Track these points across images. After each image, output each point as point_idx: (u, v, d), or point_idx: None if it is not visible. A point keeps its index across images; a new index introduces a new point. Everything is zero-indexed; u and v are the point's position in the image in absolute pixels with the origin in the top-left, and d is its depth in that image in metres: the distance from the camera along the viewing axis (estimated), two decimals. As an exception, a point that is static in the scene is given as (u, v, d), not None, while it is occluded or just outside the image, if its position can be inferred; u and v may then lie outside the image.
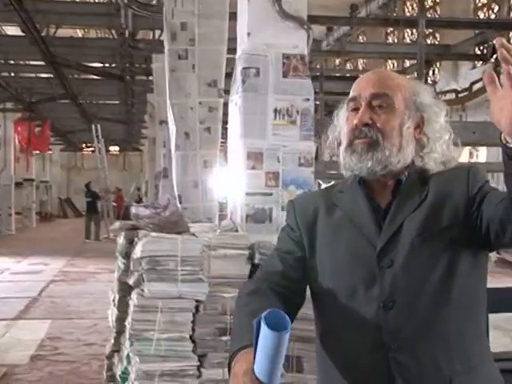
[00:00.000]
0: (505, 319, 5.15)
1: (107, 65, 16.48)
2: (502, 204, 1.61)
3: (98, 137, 20.20)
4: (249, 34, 4.26)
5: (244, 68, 4.25)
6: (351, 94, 1.84)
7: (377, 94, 1.77)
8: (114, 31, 14.75)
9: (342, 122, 1.86)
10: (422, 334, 1.68)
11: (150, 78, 12.90)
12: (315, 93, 5.05)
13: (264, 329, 1.45)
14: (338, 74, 19.40)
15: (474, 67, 15.78)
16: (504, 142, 1.47)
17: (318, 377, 1.91)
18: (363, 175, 1.79)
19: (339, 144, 1.87)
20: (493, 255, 13.10)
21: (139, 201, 22.52)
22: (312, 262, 1.83)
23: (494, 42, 1.43)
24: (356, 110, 1.80)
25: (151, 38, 13.71)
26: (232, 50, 5.02)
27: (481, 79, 14.82)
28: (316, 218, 1.85)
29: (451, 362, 1.69)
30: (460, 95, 15.52)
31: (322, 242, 1.83)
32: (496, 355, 4.66)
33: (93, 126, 20.09)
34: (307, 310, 3.87)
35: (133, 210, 4.19)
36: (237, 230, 4.13)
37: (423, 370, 1.67)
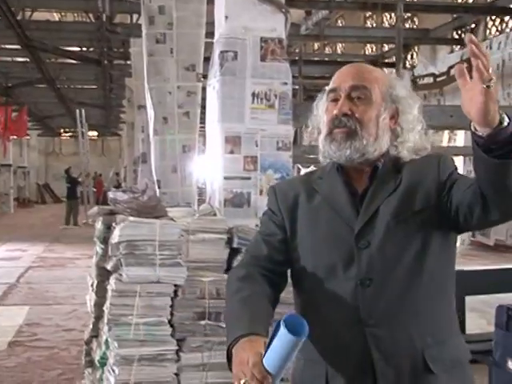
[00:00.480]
0: (481, 301, 5.21)
1: (85, 49, 16.33)
2: (470, 189, 1.72)
3: (81, 122, 20.04)
4: (226, 18, 4.24)
5: (222, 52, 4.23)
6: (331, 86, 1.92)
7: (356, 86, 1.86)
8: (91, 15, 14.62)
9: (322, 112, 1.94)
10: (396, 310, 1.79)
11: (128, 62, 12.79)
12: (294, 77, 5.05)
13: (283, 331, 1.54)
14: (316, 59, 19.36)
15: (452, 51, 15.82)
16: (473, 130, 1.58)
17: (298, 353, 1.94)
18: (341, 162, 1.88)
19: (319, 133, 1.95)
20: (466, 239, 13.23)
21: (118, 186, 22.45)
22: (293, 244, 1.92)
23: (465, 39, 1.49)
24: (335, 100, 1.88)
25: (129, 21, 13.62)
26: (210, 33, 4.99)
27: (458, 63, 14.91)
28: (297, 203, 1.95)
29: (423, 335, 1.81)
30: (438, 79, 15.57)
31: (303, 225, 1.92)
32: (472, 337, 4.73)
33: (77, 111, 19.92)
34: (286, 293, 3.89)
35: (111, 194, 4.17)
36: (215, 215, 4.12)
37: (398, 343, 1.78)
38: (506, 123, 1.56)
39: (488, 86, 1.50)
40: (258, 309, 1.81)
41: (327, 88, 1.95)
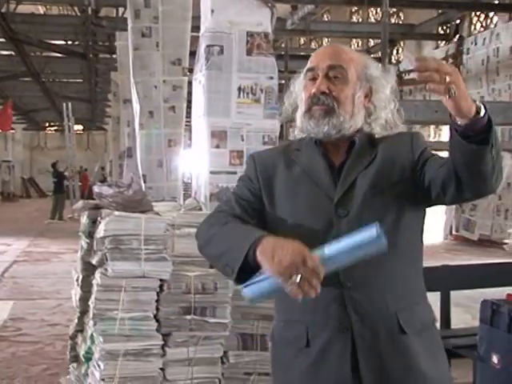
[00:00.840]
0: (465, 296, 5.24)
1: (70, 42, 16.24)
2: (443, 168, 1.83)
3: (68, 115, 19.93)
4: (212, 12, 4.23)
5: (208, 46, 4.22)
6: (309, 65, 2.02)
7: (333, 65, 1.96)
8: (76, 8, 14.54)
9: (299, 90, 2.04)
10: (372, 275, 1.90)
11: (114, 56, 12.74)
12: (280, 72, 5.04)
13: (371, 230, 1.65)
14: (302, 53, 19.35)
15: (437, 47, 15.88)
16: (453, 119, 1.70)
17: (277, 315, 2.07)
18: (319, 138, 1.97)
19: (294, 110, 2.05)
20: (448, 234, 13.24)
21: (103, 180, 22.34)
22: (272, 214, 1.99)
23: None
24: (313, 79, 1.98)
25: (114, 15, 13.56)
26: (196, 27, 4.98)
27: (443, 59, 14.94)
28: (275, 173, 2.01)
29: (397, 299, 1.93)
30: (423, 75, 15.62)
31: (282, 195, 1.99)
32: (457, 331, 4.74)
33: (64, 105, 19.81)
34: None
35: (96, 189, 4.15)
36: (201, 209, 4.12)
37: (373, 305, 1.90)
38: (482, 114, 1.66)
39: (450, 95, 1.60)
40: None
41: (305, 67, 2.03)
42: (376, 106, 2.00)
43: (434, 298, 2.79)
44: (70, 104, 19.88)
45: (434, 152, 1.98)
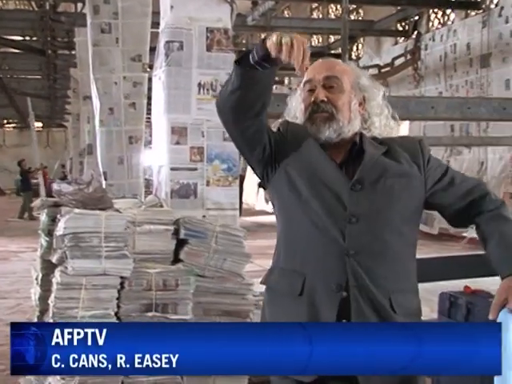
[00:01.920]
0: (424, 289, 5.30)
1: (28, 38, 16.01)
2: (465, 202, 2.14)
3: (29, 112, 19.61)
4: (172, 8, 4.21)
5: (167, 42, 4.20)
6: (306, 78, 2.18)
7: (329, 76, 2.15)
8: (33, 3, 14.34)
9: (297, 102, 2.22)
10: (376, 250, 2.06)
11: (73, 52, 12.60)
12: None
13: None
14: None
15: (397, 43, 16.03)
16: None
17: (277, 261, 2.22)
18: (320, 141, 2.14)
19: (296, 120, 2.22)
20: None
21: (64, 178, 22.11)
22: (293, 168, 2.15)
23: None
24: (311, 90, 2.16)
25: (73, 10, 13.40)
26: (156, 23, 4.95)
27: (402, 55, 15.12)
28: (303, 141, 2.18)
29: (394, 280, 2.08)
30: (382, 70, 15.77)
31: (304, 159, 2.15)
32: (416, 324, 4.74)
33: (28, 99, 19.49)
34: (234, 284, 3.90)
35: (55, 186, 4.11)
36: (161, 206, 4.10)
37: (372, 278, 2.05)
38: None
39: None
40: None
41: (303, 80, 2.20)
42: (370, 112, 2.19)
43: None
44: (29, 100, 19.58)
45: (440, 161, 2.23)
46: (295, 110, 2.23)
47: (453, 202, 2.15)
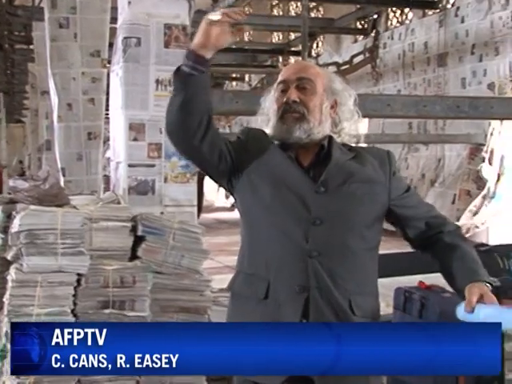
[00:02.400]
0: (381, 285, 5.38)
1: (-17, 32, 15.74)
2: (424, 220, 2.22)
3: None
4: (129, 3, 4.20)
5: (125, 38, 4.19)
6: (280, 79, 2.24)
7: (302, 77, 2.20)
8: (-11, -4, 14.10)
9: (270, 103, 2.26)
10: (337, 252, 2.11)
11: (31, 46, 12.43)
12: (200, 64, 5.02)
13: None
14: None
15: (356, 41, 16.16)
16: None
17: (241, 266, 2.25)
18: (288, 142, 2.18)
19: (269, 121, 2.26)
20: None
21: (22, 174, 21.81)
22: (256, 174, 2.18)
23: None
24: (284, 91, 2.20)
25: (31, 4, 13.21)
26: (115, 19, 4.92)
27: (361, 53, 15.25)
28: (265, 146, 2.22)
29: (354, 283, 2.13)
30: (342, 68, 15.88)
31: (267, 163, 2.19)
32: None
33: (1, 95, 19.12)
34: (192, 281, 3.90)
35: (11, 182, 4.08)
36: (119, 202, 4.08)
37: (332, 279, 2.10)
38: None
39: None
40: None
41: (277, 81, 2.25)
42: (341, 117, 2.25)
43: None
44: (1, 94, 19.24)
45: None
46: (268, 110, 2.27)
47: (412, 216, 2.22)
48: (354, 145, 2.28)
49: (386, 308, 5.28)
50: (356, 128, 2.29)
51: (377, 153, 2.27)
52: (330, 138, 2.22)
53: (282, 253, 2.12)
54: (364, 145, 2.52)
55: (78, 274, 3.55)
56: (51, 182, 4.00)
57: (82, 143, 7.05)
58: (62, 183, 6.40)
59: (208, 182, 20.71)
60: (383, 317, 4.61)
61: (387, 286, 5.28)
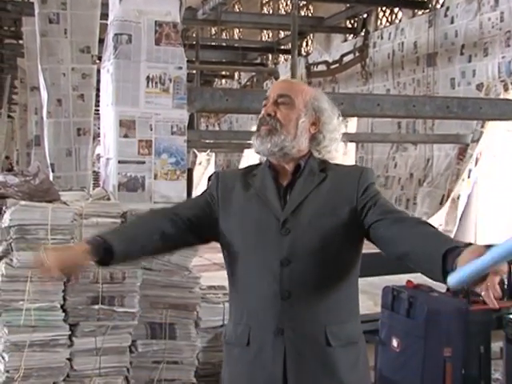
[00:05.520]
0: (369, 284, 5.41)
1: (-27, 26, 15.66)
2: (387, 231, 2.07)
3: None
4: (120, 0, 4.20)
5: (116, 34, 4.19)
6: (266, 95, 2.31)
7: (282, 95, 2.26)
8: (-21, -9, 14.03)
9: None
10: (308, 290, 2.14)
11: (21, 41, 12.38)
12: (191, 62, 5.05)
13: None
14: (213, 43, 19.35)
15: (346, 40, 16.18)
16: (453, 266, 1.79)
17: (230, 317, 2.35)
18: (265, 155, 2.26)
19: None
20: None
21: (10, 170, 21.73)
22: (226, 226, 2.26)
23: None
24: (266, 105, 2.27)
25: (20, -1, 13.15)
26: (105, 15, 4.92)
27: (351, 52, 15.28)
28: (233, 191, 2.28)
29: (327, 315, 2.16)
30: (331, 67, 15.90)
31: (235, 213, 2.25)
32: (361, 317, 4.88)
33: None
34: (181, 278, 3.92)
35: (0, 177, 4.07)
36: (109, 198, 4.10)
37: (306, 317, 2.14)
38: None
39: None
40: (133, 229, 2.36)
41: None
42: (325, 135, 2.26)
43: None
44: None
45: (378, 190, 2.23)
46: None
47: (378, 215, 2.10)
48: (332, 162, 2.28)
49: (374, 307, 5.32)
50: (337, 148, 2.31)
51: (350, 174, 2.24)
52: (309, 158, 2.24)
53: (258, 298, 2.17)
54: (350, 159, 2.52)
55: (68, 270, 3.56)
56: (41, 177, 4.01)
57: (72, 139, 7.03)
58: (51, 179, 6.39)
59: (197, 180, 20.70)
60: (371, 315, 4.67)
61: (375, 284, 5.33)
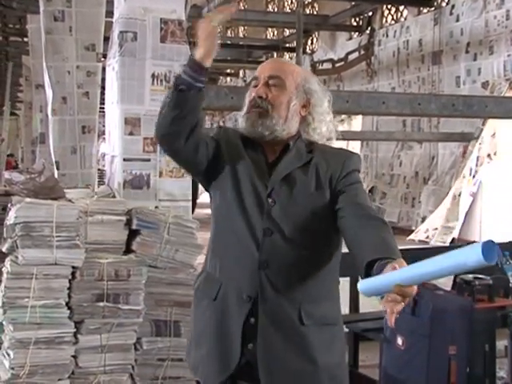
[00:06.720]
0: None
1: (-22, 24, 15.68)
2: (349, 223, 2.04)
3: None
4: (126, -2, 4.20)
5: (121, 32, 4.19)
6: (255, 75, 2.29)
7: (273, 76, 2.22)
8: (-16, -11, 14.04)
9: (246, 98, 2.29)
10: (287, 263, 2.12)
11: (25, 39, 12.39)
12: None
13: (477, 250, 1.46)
14: (218, 41, 19.35)
15: (351, 38, 16.18)
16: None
17: (205, 265, 2.33)
18: (255, 138, 2.22)
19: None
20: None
21: (15, 167, 21.78)
22: (222, 177, 2.23)
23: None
24: (256, 86, 2.24)
25: (26, -3, 13.16)
26: (110, 12, 4.92)
27: (356, 50, 15.27)
28: (236, 148, 2.25)
29: (303, 291, 2.13)
30: (336, 65, 15.91)
31: (232, 168, 2.22)
32: (365, 315, 4.89)
33: None
34: (186, 275, 3.92)
35: (6, 175, 4.08)
36: (114, 196, 4.10)
37: (282, 290, 2.12)
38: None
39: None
40: None
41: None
42: (314, 117, 2.24)
43: (344, 284, 2.90)
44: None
45: (359, 179, 2.22)
46: (244, 105, 2.29)
47: (347, 203, 2.09)
48: (321, 143, 2.26)
49: (379, 305, 5.32)
50: (329, 129, 2.28)
51: (336, 157, 2.21)
52: (298, 138, 2.23)
53: (235, 259, 2.17)
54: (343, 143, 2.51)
55: (73, 267, 3.57)
56: (47, 174, 4.01)
57: (77, 137, 7.04)
58: (56, 176, 6.40)
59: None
60: (376, 313, 4.66)
61: (380, 282, 5.32)
